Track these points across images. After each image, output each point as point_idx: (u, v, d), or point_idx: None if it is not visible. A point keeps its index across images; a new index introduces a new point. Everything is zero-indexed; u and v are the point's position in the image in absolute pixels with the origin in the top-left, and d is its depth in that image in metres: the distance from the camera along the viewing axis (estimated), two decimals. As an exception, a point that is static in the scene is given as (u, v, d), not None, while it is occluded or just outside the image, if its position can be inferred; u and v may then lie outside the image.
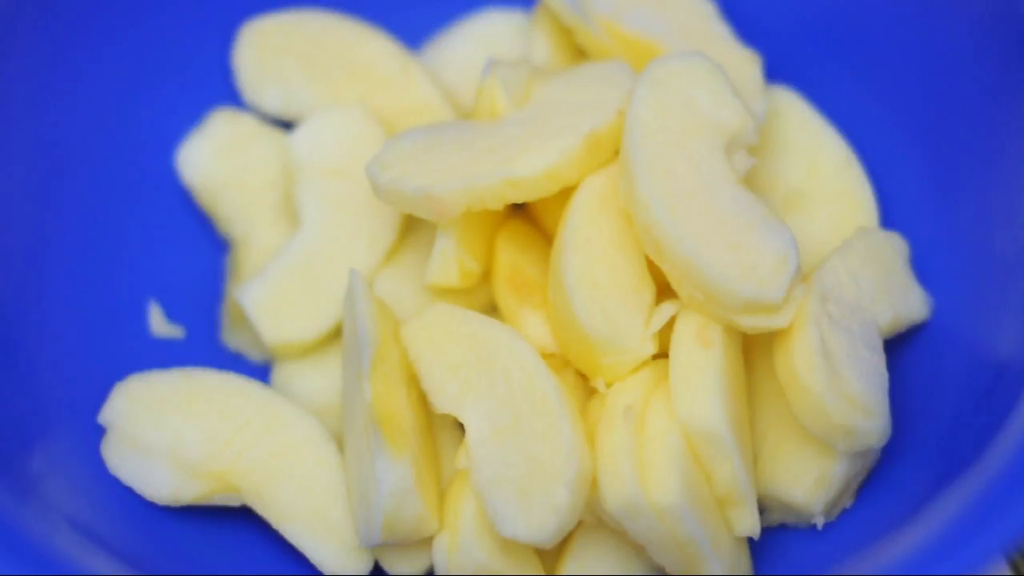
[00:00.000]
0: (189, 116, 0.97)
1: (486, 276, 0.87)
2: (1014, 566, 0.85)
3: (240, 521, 0.85)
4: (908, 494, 0.78)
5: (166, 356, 0.91)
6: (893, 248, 0.85)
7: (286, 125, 0.98)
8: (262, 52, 0.98)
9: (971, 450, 0.74)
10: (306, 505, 0.83)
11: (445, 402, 0.81)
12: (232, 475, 0.83)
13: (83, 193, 0.92)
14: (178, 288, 0.95)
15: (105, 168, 0.94)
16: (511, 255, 0.86)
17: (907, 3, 0.87)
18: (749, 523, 0.77)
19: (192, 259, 0.96)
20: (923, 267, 0.86)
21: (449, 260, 0.84)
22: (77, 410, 0.84)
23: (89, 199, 0.92)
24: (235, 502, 0.84)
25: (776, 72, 0.94)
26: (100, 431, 0.84)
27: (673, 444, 0.75)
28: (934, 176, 0.87)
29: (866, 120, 0.91)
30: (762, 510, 0.81)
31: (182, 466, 0.82)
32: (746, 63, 0.89)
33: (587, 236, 0.80)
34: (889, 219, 0.89)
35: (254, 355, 0.93)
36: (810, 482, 0.79)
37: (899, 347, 0.85)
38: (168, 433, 0.83)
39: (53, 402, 0.84)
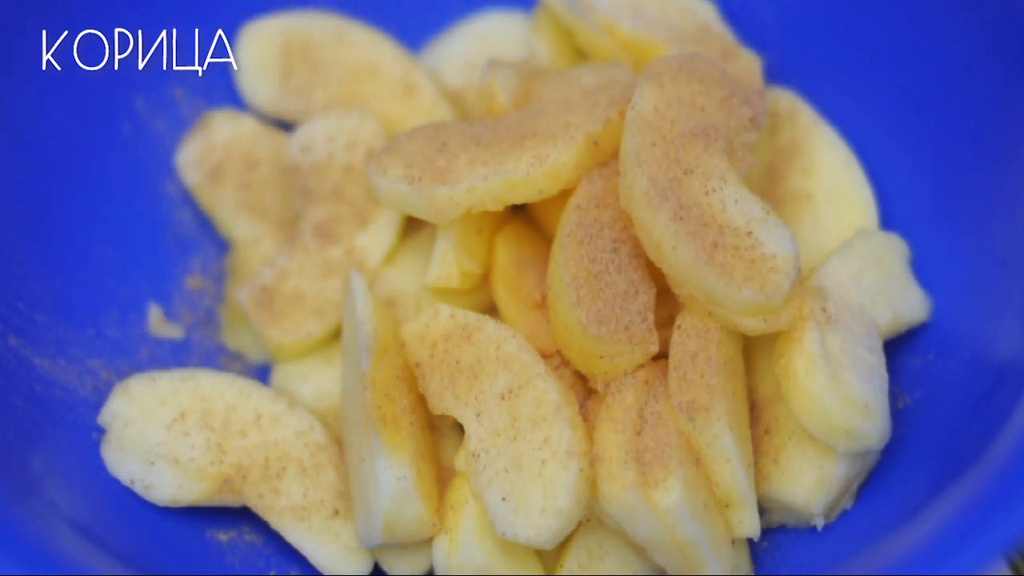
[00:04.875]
0: (189, 117, 0.98)
1: (486, 277, 0.87)
2: (1014, 566, 0.85)
3: (240, 522, 0.85)
4: (908, 495, 0.78)
5: (166, 356, 0.91)
6: (893, 249, 0.85)
7: (286, 126, 0.98)
8: (263, 52, 0.98)
9: (971, 450, 0.74)
10: (306, 506, 0.83)
11: (444, 403, 0.81)
12: (232, 476, 0.83)
13: (84, 193, 0.92)
14: (178, 288, 0.95)
15: (105, 169, 0.94)
16: (511, 256, 0.86)
17: (906, 4, 0.87)
18: (749, 524, 0.77)
19: (192, 259, 0.96)
20: (923, 267, 0.86)
21: (449, 262, 0.84)
22: (77, 410, 0.84)
23: (90, 199, 0.92)
24: (235, 503, 0.83)
25: (776, 73, 0.94)
26: (100, 432, 0.84)
27: (673, 445, 0.75)
28: (934, 176, 0.87)
29: (866, 120, 0.91)
30: (762, 511, 0.81)
31: (182, 467, 0.82)
32: (746, 64, 0.89)
33: (587, 236, 0.80)
34: (889, 219, 0.89)
35: (254, 355, 0.93)
36: (810, 483, 0.79)
37: (899, 347, 0.85)
38: (168, 434, 0.83)
39: (53, 402, 0.84)
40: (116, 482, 0.82)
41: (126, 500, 0.82)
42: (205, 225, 0.97)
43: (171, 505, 0.82)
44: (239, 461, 0.83)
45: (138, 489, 0.82)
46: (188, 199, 0.97)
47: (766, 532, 0.82)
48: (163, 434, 0.83)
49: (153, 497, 0.82)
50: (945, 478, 0.74)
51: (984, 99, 0.83)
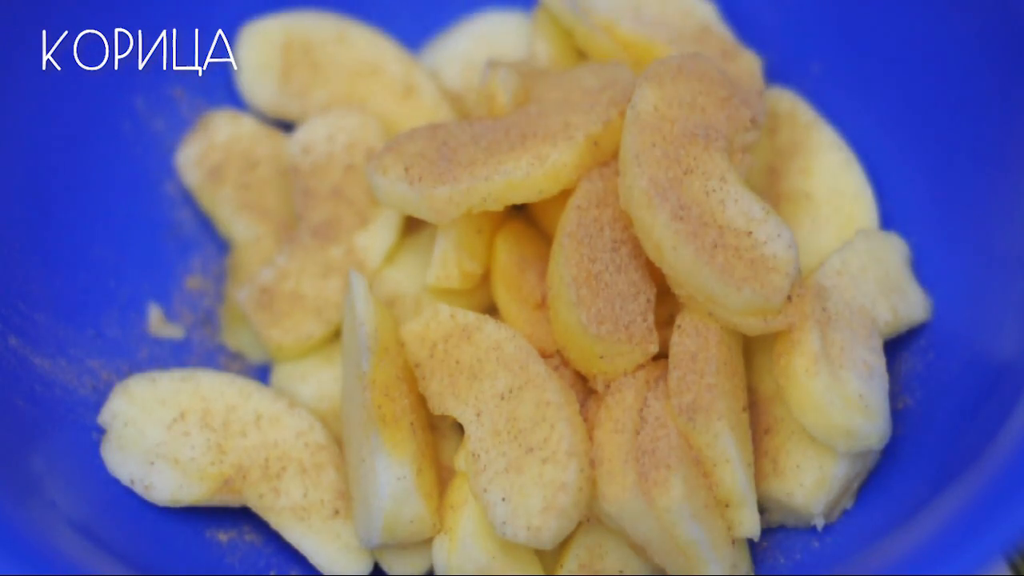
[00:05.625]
0: (189, 117, 0.98)
1: (486, 277, 0.87)
2: (1014, 567, 0.85)
3: (240, 522, 0.85)
4: (908, 495, 0.78)
5: (166, 356, 0.91)
6: (893, 249, 0.85)
7: (286, 126, 0.98)
8: (263, 52, 0.98)
9: (971, 450, 0.74)
10: (306, 506, 0.83)
11: (444, 403, 0.81)
12: (232, 476, 0.83)
13: (84, 193, 0.92)
14: (178, 288, 0.95)
15: (105, 169, 0.93)
16: (511, 256, 0.86)
17: (906, 3, 0.87)
18: (749, 524, 0.77)
19: (192, 259, 0.96)
20: (923, 267, 0.86)
21: (450, 262, 0.84)
22: (77, 410, 0.84)
23: (90, 199, 0.92)
24: (235, 503, 0.83)
25: (776, 73, 0.94)
26: (100, 432, 0.84)
27: (673, 444, 0.75)
28: (934, 176, 0.87)
29: (866, 120, 0.91)
30: (762, 511, 0.81)
31: (182, 467, 0.82)
32: (746, 64, 0.89)
33: (587, 236, 0.80)
34: (889, 219, 0.89)
35: (254, 355, 0.93)
36: (810, 483, 0.79)
37: (899, 347, 0.85)
38: (168, 434, 0.83)
39: (53, 402, 0.84)
40: (116, 482, 0.82)
41: (126, 500, 0.82)
42: (205, 225, 0.97)
43: (171, 505, 0.82)
44: (239, 461, 0.83)
45: (138, 489, 0.82)
46: (188, 199, 0.97)
47: (766, 532, 0.82)
48: (163, 434, 0.83)
49: (153, 497, 0.82)
50: (945, 478, 0.74)
51: (984, 99, 0.83)
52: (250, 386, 0.86)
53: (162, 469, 0.82)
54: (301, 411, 0.85)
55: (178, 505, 0.82)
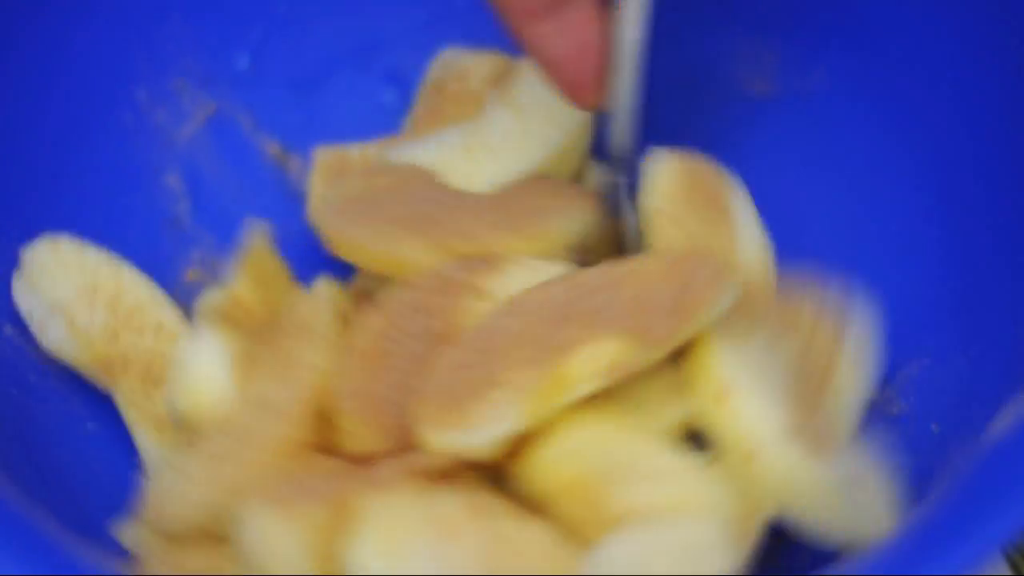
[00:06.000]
0: (190, 109, 0.99)
1: None
2: (1014, 566, 0.84)
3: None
4: (904, 493, 0.77)
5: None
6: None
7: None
8: None
9: (967, 451, 0.73)
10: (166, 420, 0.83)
11: None
12: (114, 361, 0.83)
13: (83, 184, 0.92)
14: (177, 281, 0.94)
15: (105, 160, 0.94)
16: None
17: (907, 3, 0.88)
18: None
19: (192, 252, 0.96)
20: (920, 266, 0.85)
21: None
22: (71, 400, 0.84)
23: (89, 190, 0.92)
24: (105, 386, 0.83)
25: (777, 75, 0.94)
26: (95, 422, 0.84)
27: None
28: (935, 179, 0.87)
29: (867, 125, 0.91)
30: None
31: (75, 330, 0.83)
32: None
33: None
34: (888, 216, 0.89)
35: None
36: None
37: (896, 352, 0.84)
38: (75, 297, 0.84)
39: (47, 391, 0.83)
40: (110, 476, 0.82)
41: (119, 494, 0.82)
42: (205, 218, 0.97)
43: (54, 355, 0.83)
44: (125, 352, 0.83)
45: (33, 327, 0.83)
46: (188, 192, 0.97)
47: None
48: (71, 295, 0.84)
49: (41, 341, 0.83)
50: (940, 480, 0.74)
51: (985, 99, 0.83)
52: (167, 301, 0.87)
53: (59, 323, 0.83)
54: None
55: (59, 357, 0.83)
